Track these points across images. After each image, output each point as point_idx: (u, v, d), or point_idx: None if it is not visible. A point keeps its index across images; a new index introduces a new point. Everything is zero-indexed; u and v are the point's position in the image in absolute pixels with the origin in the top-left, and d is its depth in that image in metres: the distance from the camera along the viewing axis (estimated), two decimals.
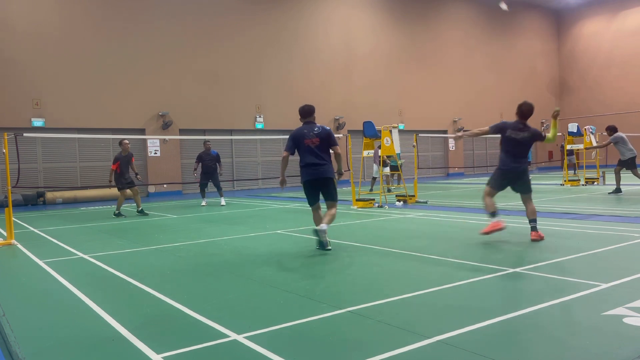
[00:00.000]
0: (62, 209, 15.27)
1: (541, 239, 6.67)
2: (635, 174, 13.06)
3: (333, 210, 6.71)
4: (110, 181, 12.16)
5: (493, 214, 6.96)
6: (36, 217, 12.90)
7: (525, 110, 6.85)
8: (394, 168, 16.76)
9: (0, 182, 16.43)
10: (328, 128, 6.92)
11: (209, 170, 14.25)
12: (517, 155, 6.95)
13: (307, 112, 6.87)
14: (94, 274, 5.84)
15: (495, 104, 31.11)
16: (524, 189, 7.05)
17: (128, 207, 13.77)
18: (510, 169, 7.03)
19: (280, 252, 6.67)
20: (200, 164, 14.34)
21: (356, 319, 3.82)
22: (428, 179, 26.30)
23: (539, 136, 7.00)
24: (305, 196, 6.84)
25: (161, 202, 16.46)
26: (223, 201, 14.29)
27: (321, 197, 6.79)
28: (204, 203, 14.33)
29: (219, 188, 14.43)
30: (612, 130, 13.40)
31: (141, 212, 12.24)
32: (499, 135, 7.38)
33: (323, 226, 6.49)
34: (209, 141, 14.67)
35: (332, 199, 6.75)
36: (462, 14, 29.78)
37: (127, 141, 12.23)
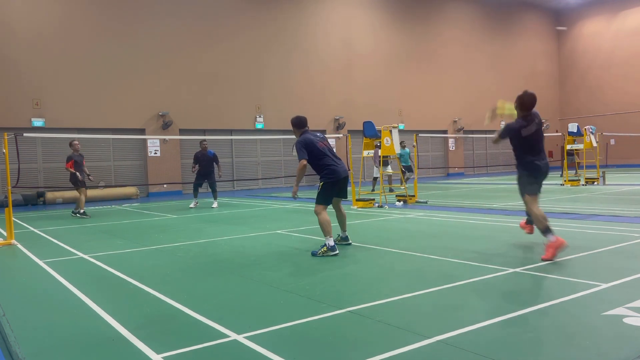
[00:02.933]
0: (62, 209, 15.27)
1: None
2: None
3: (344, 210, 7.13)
4: (73, 175, 12.34)
5: (547, 228, 5.70)
6: (36, 217, 12.90)
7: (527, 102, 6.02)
8: (409, 168, 17.49)
9: (0, 182, 16.43)
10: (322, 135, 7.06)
11: (205, 171, 13.81)
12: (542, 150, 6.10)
13: (304, 122, 6.86)
14: (94, 274, 5.84)
15: (495, 103, 31.08)
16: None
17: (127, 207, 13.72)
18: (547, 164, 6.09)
19: (280, 252, 6.67)
20: (197, 164, 13.87)
21: (356, 319, 3.82)
22: (428, 179, 26.30)
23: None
24: (326, 195, 6.56)
25: (161, 202, 16.45)
26: (215, 204, 13.85)
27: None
28: (192, 204, 13.81)
29: (214, 190, 14.06)
30: None
31: (83, 214, 12.32)
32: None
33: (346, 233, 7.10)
34: (205, 141, 14.18)
35: (345, 196, 6.95)
36: (462, 13, 29.79)
37: (77, 142, 12.60)
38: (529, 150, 5.97)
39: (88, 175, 12.48)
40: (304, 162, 6.50)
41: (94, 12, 18.77)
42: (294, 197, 6.73)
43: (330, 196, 6.63)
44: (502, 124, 6.68)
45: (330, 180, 6.56)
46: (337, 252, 6.31)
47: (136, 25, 19.59)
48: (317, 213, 6.50)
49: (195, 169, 13.92)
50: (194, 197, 14.24)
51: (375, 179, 16.45)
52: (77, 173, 12.14)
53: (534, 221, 5.92)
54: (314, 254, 6.31)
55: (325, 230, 6.37)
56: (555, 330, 3.43)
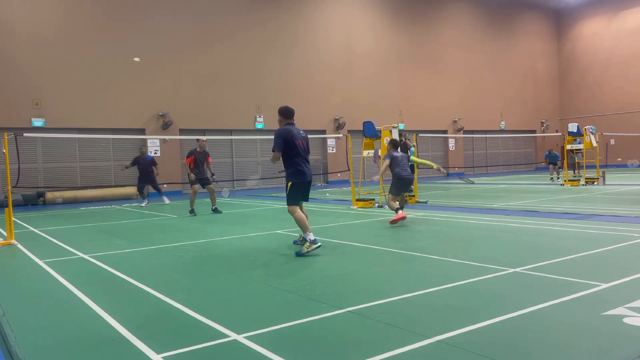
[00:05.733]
0: (62, 209, 15.27)
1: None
2: None
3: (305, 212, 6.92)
4: (188, 174, 11.99)
5: (398, 209, 8.91)
6: (36, 217, 12.90)
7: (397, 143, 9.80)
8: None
9: (0, 182, 16.43)
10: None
11: (145, 174, 15.11)
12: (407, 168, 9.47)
13: (291, 113, 6.80)
14: (94, 274, 5.84)
15: (495, 104, 31.14)
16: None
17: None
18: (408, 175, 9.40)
19: (280, 252, 6.66)
20: (136, 166, 15.32)
21: (356, 319, 3.82)
22: (428, 179, 26.30)
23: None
24: (295, 195, 6.64)
25: (161, 202, 16.44)
26: (166, 199, 15.49)
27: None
28: (144, 204, 14.90)
29: (157, 189, 15.64)
30: None
31: (215, 210, 12.00)
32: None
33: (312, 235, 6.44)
34: (144, 146, 15.78)
35: (307, 199, 6.93)
36: (462, 14, 29.79)
37: (204, 139, 12.26)
38: (399, 167, 9.25)
39: (212, 174, 12.18)
40: (278, 154, 6.54)
41: (94, 12, 18.78)
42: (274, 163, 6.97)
43: (298, 196, 6.67)
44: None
45: (298, 181, 6.60)
46: (320, 244, 6.34)
47: (136, 25, 19.59)
48: (291, 213, 6.57)
49: (128, 167, 15.63)
50: (142, 198, 15.35)
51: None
52: (191, 173, 11.84)
53: (389, 207, 9.15)
54: (298, 254, 6.28)
55: (302, 227, 6.43)
56: (555, 330, 3.42)
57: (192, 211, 11.78)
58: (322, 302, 4.25)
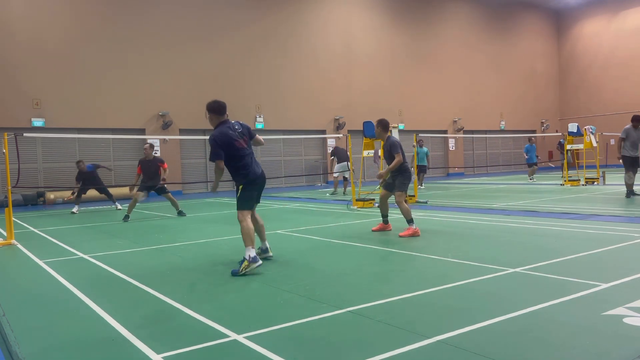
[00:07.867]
0: (62, 209, 15.26)
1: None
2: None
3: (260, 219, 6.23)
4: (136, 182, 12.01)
5: (411, 220, 7.69)
6: (36, 217, 12.90)
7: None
8: (424, 168, 17.81)
9: (0, 182, 16.43)
10: (243, 122, 6.00)
11: (89, 182, 14.09)
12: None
13: (223, 109, 5.81)
14: (94, 274, 5.84)
15: (495, 104, 31.14)
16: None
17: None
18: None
19: (280, 252, 6.66)
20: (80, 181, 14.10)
21: (356, 319, 3.82)
22: (428, 179, 26.28)
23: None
24: (247, 198, 5.82)
25: (161, 202, 16.45)
26: (119, 205, 14.27)
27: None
28: (75, 210, 13.76)
29: (109, 195, 14.55)
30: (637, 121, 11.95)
31: (180, 214, 11.95)
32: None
33: (267, 244, 6.15)
34: (81, 161, 14.28)
35: (259, 200, 6.16)
36: (462, 13, 29.80)
37: (146, 145, 12.07)
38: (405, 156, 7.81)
39: (163, 179, 11.88)
40: (221, 163, 5.66)
41: (94, 13, 18.78)
42: (215, 192, 6.19)
43: (251, 198, 5.86)
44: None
45: (249, 179, 5.78)
46: (260, 262, 5.48)
47: (136, 24, 19.59)
48: (239, 221, 5.68)
49: (76, 190, 14.19)
50: (76, 204, 14.07)
51: (342, 179, 16.54)
52: (137, 181, 11.82)
53: (405, 213, 7.63)
54: (234, 274, 5.37)
55: (246, 240, 5.54)
56: (555, 330, 3.43)
57: (126, 217, 11.36)
58: (322, 302, 4.25)
